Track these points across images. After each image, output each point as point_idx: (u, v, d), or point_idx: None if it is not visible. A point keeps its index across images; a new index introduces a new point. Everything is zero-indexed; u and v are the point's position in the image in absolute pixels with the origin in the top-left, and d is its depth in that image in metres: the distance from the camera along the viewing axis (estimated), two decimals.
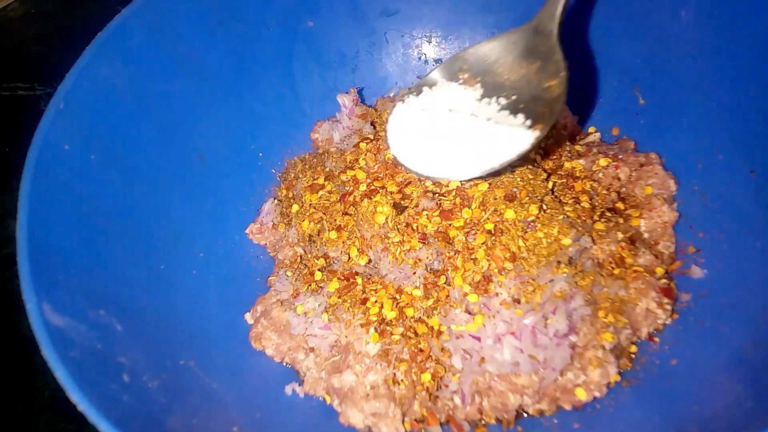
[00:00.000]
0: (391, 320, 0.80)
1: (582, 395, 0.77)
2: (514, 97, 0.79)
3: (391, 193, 0.87)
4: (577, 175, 0.93)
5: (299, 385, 0.84)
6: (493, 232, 0.81)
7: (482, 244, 0.80)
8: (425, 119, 0.80)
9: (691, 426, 0.70)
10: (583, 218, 0.86)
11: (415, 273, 0.82)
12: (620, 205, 0.91)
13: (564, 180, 0.92)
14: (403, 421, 0.77)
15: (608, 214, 0.89)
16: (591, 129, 1.04)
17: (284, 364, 0.87)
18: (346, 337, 0.81)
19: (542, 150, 0.96)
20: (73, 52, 0.82)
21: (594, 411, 0.78)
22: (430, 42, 1.12)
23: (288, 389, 0.84)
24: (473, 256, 0.79)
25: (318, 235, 0.91)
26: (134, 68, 0.87)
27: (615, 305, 0.80)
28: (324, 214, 0.91)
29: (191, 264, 0.89)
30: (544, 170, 0.91)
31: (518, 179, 0.86)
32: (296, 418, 0.81)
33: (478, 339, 0.76)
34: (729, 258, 0.82)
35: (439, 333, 0.79)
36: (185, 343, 0.80)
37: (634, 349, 0.83)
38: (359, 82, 1.10)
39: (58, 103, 0.78)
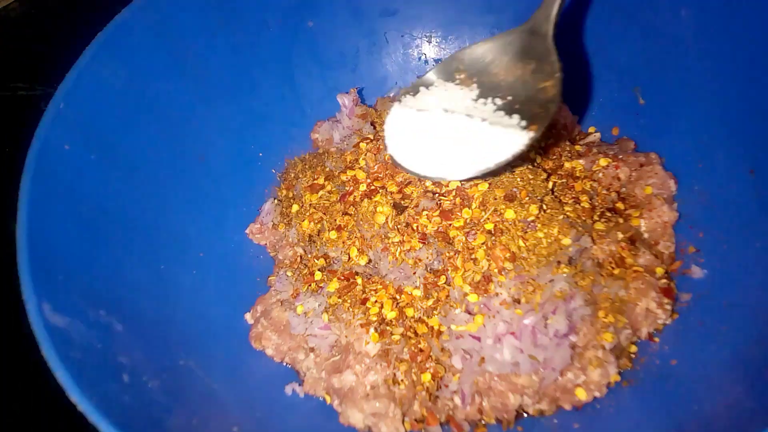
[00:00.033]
0: (391, 320, 0.80)
1: (582, 395, 0.77)
2: (509, 98, 0.79)
3: (391, 193, 0.87)
4: (577, 175, 0.93)
5: (299, 385, 0.84)
6: (493, 232, 0.81)
7: (482, 244, 0.80)
8: (422, 119, 0.80)
9: (691, 426, 0.70)
10: (583, 218, 0.86)
11: (415, 273, 0.82)
12: (620, 205, 0.91)
13: (564, 180, 0.92)
14: (403, 421, 0.77)
15: (608, 214, 0.89)
16: (591, 129, 1.04)
17: (284, 364, 0.87)
18: (346, 337, 0.81)
19: (542, 150, 0.96)
20: (73, 52, 0.82)
21: (594, 411, 0.78)
22: (430, 42, 1.12)
23: (288, 389, 0.84)
24: (473, 256, 0.79)
25: (318, 235, 0.91)
26: (134, 68, 0.87)
27: (615, 305, 0.80)
28: (324, 214, 0.91)
29: (191, 264, 0.89)
30: (544, 170, 0.91)
31: (518, 179, 0.86)
32: (296, 418, 0.81)
33: (478, 339, 0.76)
34: (729, 258, 0.82)
35: (439, 333, 0.79)
36: (185, 343, 0.80)
37: (634, 349, 0.83)
38: (359, 82, 1.10)
39: (58, 103, 0.78)
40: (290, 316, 0.86)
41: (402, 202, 0.86)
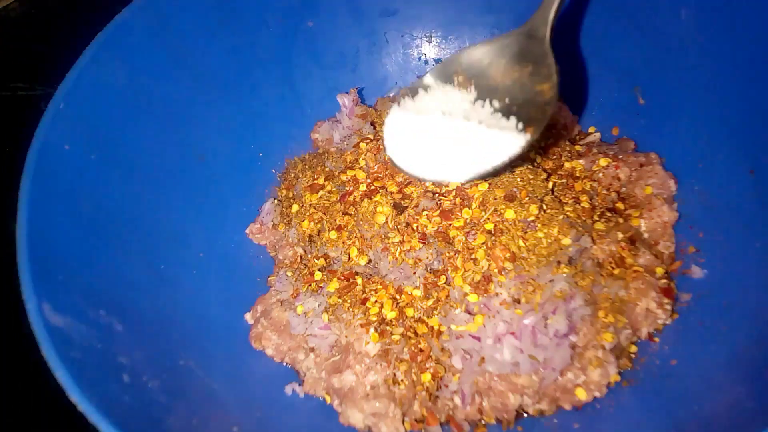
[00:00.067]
0: (391, 320, 0.80)
1: (582, 395, 0.77)
2: (507, 100, 0.80)
3: (391, 193, 0.87)
4: (577, 175, 0.93)
5: (299, 385, 0.84)
6: (493, 232, 0.81)
7: (482, 244, 0.80)
8: (421, 122, 0.80)
9: (691, 426, 0.70)
10: (583, 218, 0.86)
11: (415, 273, 0.82)
12: (620, 205, 0.91)
13: (564, 180, 0.92)
14: (403, 421, 0.77)
15: (608, 214, 0.89)
16: (591, 129, 1.04)
17: (284, 364, 0.87)
18: (346, 337, 0.81)
19: (542, 150, 0.96)
20: (73, 52, 0.82)
21: (594, 411, 0.78)
22: (430, 42, 1.12)
23: (288, 389, 0.84)
24: (473, 256, 0.79)
25: (318, 235, 0.91)
26: (134, 68, 0.87)
27: (615, 305, 0.80)
28: (324, 214, 0.91)
29: (191, 264, 0.89)
30: (544, 170, 0.91)
31: (518, 179, 0.86)
32: (296, 418, 0.81)
33: (478, 339, 0.76)
34: (729, 258, 0.82)
35: (439, 333, 0.79)
36: (185, 343, 0.80)
37: (634, 349, 0.83)
38: (359, 82, 1.10)
39: (58, 103, 0.78)
40: (290, 316, 0.86)
41: (402, 202, 0.86)
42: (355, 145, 0.97)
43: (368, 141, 0.96)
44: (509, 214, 0.81)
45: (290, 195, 1.00)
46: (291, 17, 1.03)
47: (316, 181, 0.96)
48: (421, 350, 0.78)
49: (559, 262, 0.79)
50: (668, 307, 0.82)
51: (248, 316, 0.91)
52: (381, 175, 0.90)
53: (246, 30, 1.00)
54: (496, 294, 0.77)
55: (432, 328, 0.79)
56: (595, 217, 0.87)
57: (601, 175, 0.93)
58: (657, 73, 0.94)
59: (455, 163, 0.78)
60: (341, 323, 0.81)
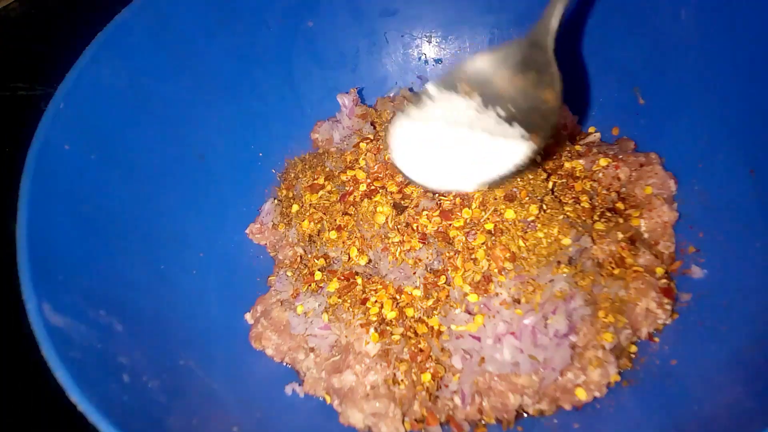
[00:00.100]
0: (391, 320, 0.80)
1: (582, 395, 0.77)
2: (511, 109, 0.80)
3: (391, 193, 0.87)
4: (577, 175, 0.93)
5: (299, 385, 0.84)
6: (493, 232, 0.81)
7: (482, 244, 0.80)
8: (427, 132, 0.81)
9: (691, 426, 0.70)
10: (583, 218, 0.86)
11: (415, 273, 0.82)
12: (620, 205, 0.91)
13: (564, 180, 0.92)
14: (403, 421, 0.77)
15: (608, 214, 0.89)
16: (591, 129, 1.04)
17: (284, 364, 0.87)
18: (346, 337, 0.81)
19: (542, 150, 0.95)
20: (73, 52, 0.82)
21: (594, 411, 0.78)
22: (430, 42, 1.12)
23: (288, 389, 0.84)
24: (473, 256, 0.80)
25: (318, 235, 0.91)
26: (134, 68, 0.87)
27: (615, 305, 0.80)
28: (324, 214, 0.91)
29: (191, 264, 0.89)
30: (544, 170, 0.91)
31: (518, 179, 0.86)
32: (296, 418, 0.81)
33: (478, 339, 0.76)
34: (729, 258, 0.82)
35: (439, 333, 0.79)
36: (185, 343, 0.80)
37: (634, 349, 0.83)
38: (359, 82, 1.10)
39: (58, 103, 0.78)
40: (290, 316, 0.86)
41: (402, 202, 0.86)
42: (355, 145, 0.97)
43: (368, 141, 0.96)
44: (509, 214, 0.81)
45: (290, 195, 1.00)
46: (291, 17, 1.03)
47: (316, 181, 0.96)
48: (421, 350, 0.78)
49: (559, 262, 0.79)
50: (668, 307, 0.82)
51: (248, 316, 0.91)
52: (381, 175, 0.90)
53: (246, 30, 1.00)
54: (496, 294, 0.77)
55: (432, 328, 0.79)
56: (595, 217, 0.87)
57: (601, 175, 0.93)
58: (657, 73, 0.94)
59: (462, 172, 0.79)
60: (341, 323, 0.81)
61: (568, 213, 0.85)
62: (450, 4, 1.08)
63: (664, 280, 0.84)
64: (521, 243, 0.79)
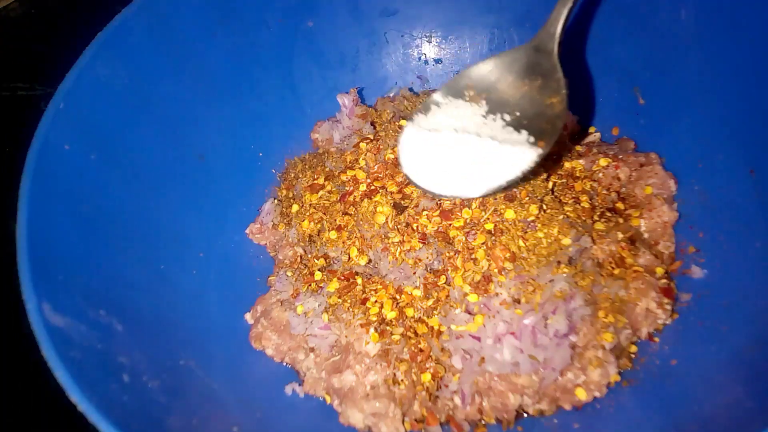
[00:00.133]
0: (391, 320, 0.80)
1: (582, 395, 0.77)
2: (517, 114, 0.81)
3: (391, 193, 0.87)
4: (577, 175, 0.93)
5: (299, 385, 0.84)
6: (493, 232, 0.81)
7: (482, 244, 0.80)
8: (434, 140, 0.81)
9: (691, 426, 0.70)
10: (583, 218, 0.86)
11: (415, 273, 0.82)
12: (620, 205, 0.91)
13: (564, 180, 0.92)
14: (403, 421, 0.77)
15: (608, 214, 0.89)
16: (591, 129, 1.04)
17: (284, 364, 0.87)
18: (346, 337, 0.81)
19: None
20: (73, 52, 0.82)
21: (594, 411, 0.78)
22: (430, 42, 1.12)
23: (288, 389, 0.84)
24: (473, 256, 0.79)
25: (318, 235, 0.91)
26: (134, 68, 0.87)
27: (615, 305, 0.80)
28: (324, 214, 0.91)
29: (191, 264, 0.89)
30: (544, 170, 0.91)
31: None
32: (296, 418, 0.81)
33: (478, 339, 0.76)
34: (729, 258, 0.82)
35: (439, 333, 0.79)
36: (185, 343, 0.80)
37: (634, 349, 0.83)
38: (359, 82, 1.10)
39: (58, 103, 0.78)
40: (290, 316, 0.86)
41: (402, 202, 0.86)
42: (355, 145, 0.97)
43: (368, 141, 0.96)
44: (509, 214, 0.81)
45: (290, 195, 1.00)
46: (291, 17, 1.03)
47: (316, 181, 0.96)
48: (421, 350, 0.78)
49: (559, 262, 0.79)
50: (668, 307, 0.82)
51: (248, 316, 0.91)
52: (381, 175, 0.90)
53: (246, 30, 1.00)
54: (496, 294, 0.77)
55: (432, 328, 0.79)
56: (595, 217, 0.87)
57: (601, 175, 0.93)
58: (657, 73, 0.94)
59: (470, 178, 0.79)
60: (341, 323, 0.81)
61: (568, 213, 0.85)
62: (450, 4, 1.08)
63: (664, 280, 0.84)
64: (521, 243, 0.79)
